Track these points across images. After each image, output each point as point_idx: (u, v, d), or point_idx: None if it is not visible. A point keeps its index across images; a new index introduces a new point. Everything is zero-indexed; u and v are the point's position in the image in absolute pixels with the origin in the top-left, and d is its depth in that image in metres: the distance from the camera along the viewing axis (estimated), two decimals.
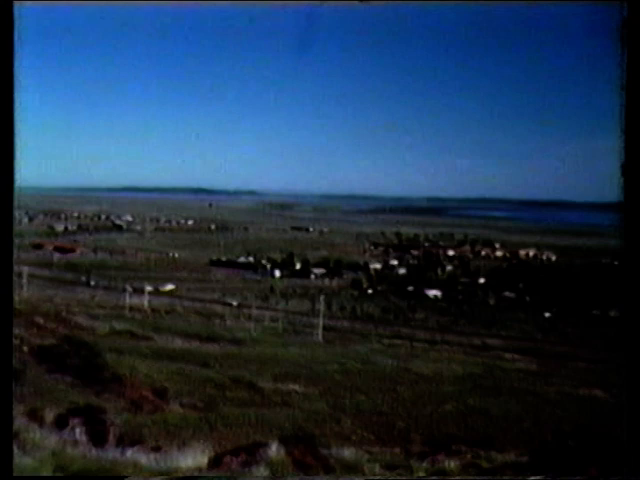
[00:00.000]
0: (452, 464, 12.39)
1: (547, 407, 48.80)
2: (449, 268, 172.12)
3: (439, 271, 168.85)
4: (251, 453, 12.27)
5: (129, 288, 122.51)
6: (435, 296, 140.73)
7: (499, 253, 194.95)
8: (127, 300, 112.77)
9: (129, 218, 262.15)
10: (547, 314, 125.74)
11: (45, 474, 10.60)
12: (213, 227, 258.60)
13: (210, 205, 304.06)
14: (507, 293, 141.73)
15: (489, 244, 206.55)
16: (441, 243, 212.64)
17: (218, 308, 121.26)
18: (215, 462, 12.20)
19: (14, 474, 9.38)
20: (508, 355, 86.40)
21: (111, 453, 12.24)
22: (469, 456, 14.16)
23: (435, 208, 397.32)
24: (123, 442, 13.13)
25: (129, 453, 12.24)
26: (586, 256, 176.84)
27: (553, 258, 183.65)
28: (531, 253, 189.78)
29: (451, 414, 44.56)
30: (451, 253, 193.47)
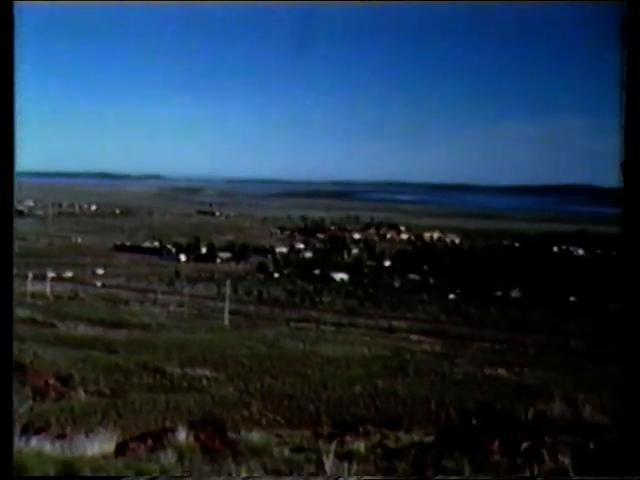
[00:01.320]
0: (360, 445, 12.49)
1: (453, 387, 49.66)
2: (355, 251, 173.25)
3: (345, 254, 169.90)
4: (158, 439, 12.15)
5: (30, 274, 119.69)
6: (341, 279, 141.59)
7: (404, 236, 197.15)
8: (28, 287, 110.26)
9: (30, 203, 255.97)
10: (451, 296, 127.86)
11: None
12: (117, 212, 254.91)
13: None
14: (412, 275, 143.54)
15: (394, 227, 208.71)
16: (347, 227, 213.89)
17: (123, 293, 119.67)
18: (121, 449, 12.04)
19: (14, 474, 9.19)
20: (414, 337, 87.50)
21: (15, 443, 11.92)
22: (377, 437, 14.30)
23: (342, 192, 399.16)
24: (27, 431, 12.83)
25: (33, 442, 11.96)
26: (489, 238, 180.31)
27: (457, 241, 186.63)
28: (435, 236, 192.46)
29: (360, 396, 44.97)
30: (357, 236, 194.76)
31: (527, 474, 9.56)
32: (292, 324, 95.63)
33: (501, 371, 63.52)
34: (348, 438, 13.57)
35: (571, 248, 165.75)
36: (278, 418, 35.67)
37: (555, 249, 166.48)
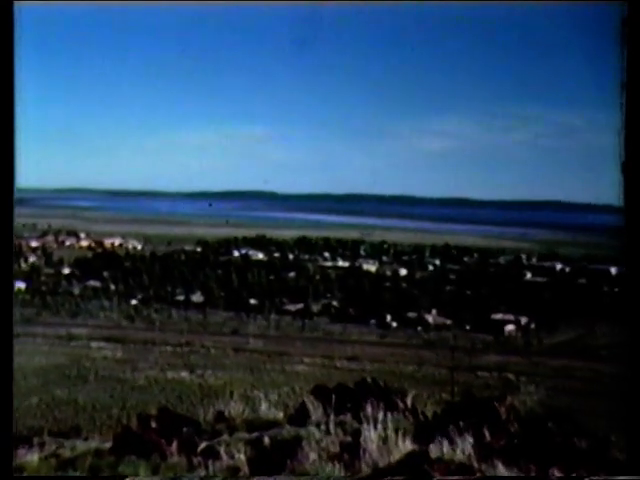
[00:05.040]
0: (33, 457, 12.00)
1: (135, 392, 49.33)
2: (32, 259, 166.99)
3: (22, 262, 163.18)
4: None
5: None
6: (18, 288, 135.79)
7: (84, 243, 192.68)
8: None
9: None
10: (133, 301, 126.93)
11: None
12: None
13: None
14: (92, 282, 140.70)
15: (74, 234, 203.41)
16: (24, 234, 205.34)
17: None
18: None
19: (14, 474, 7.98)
20: (95, 344, 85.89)
21: None
22: (53, 447, 13.81)
23: (16, 198, 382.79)
24: None
25: None
26: (170, 244, 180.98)
27: (138, 246, 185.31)
28: (117, 242, 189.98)
29: (36, 406, 43.43)
30: (34, 244, 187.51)
31: (203, 472, 9.67)
32: None
33: (184, 374, 64.06)
34: (21, 451, 13.02)
35: (251, 252, 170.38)
36: None
37: (236, 253, 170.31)
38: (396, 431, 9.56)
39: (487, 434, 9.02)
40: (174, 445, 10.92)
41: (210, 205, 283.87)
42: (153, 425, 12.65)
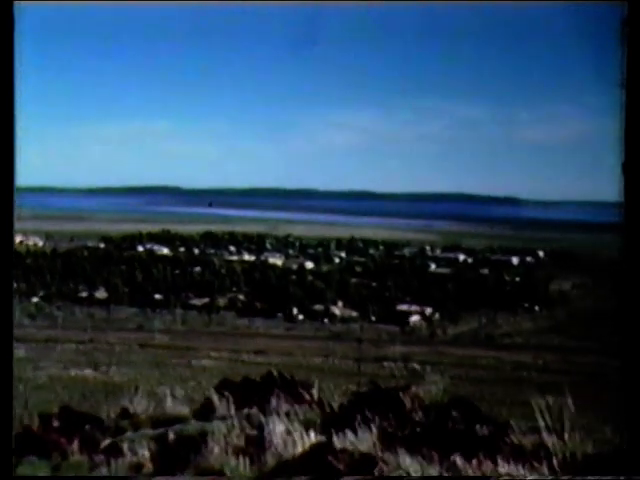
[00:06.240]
0: None
1: (36, 392, 48.38)
2: None
3: None
4: None
5: None
6: None
7: None
8: None
9: None
10: (35, 299, 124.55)
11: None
12: None
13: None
14: None
15: None
16: None
17: None
18: None
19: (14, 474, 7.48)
20: None
21: None
22: None
23: None
24: None
25: None
26: (73, 240, 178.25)
27: (40, 243, 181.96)
28: (17, 239, 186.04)
29: None
30: None
31: (106, 470, 9.52)
32: None
33: (88, 371, 63.13)
34: None
35: (155, 247, 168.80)
36: None
37: (140, 249, 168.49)
38: (302, 423, 9.56)
39: (391, 423, 9.10)
40: (75, 444, 10.71)
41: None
42: (54, 424, 12.41)
